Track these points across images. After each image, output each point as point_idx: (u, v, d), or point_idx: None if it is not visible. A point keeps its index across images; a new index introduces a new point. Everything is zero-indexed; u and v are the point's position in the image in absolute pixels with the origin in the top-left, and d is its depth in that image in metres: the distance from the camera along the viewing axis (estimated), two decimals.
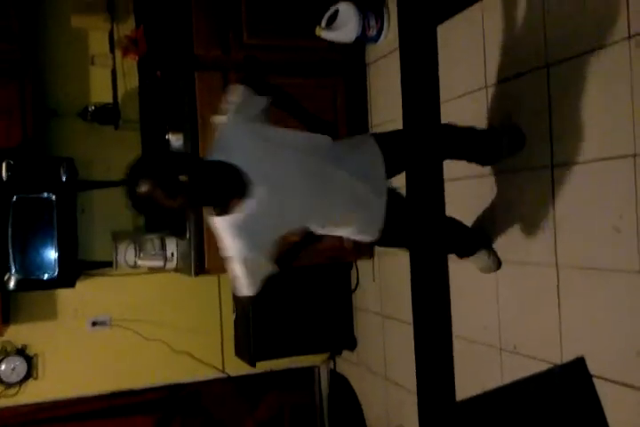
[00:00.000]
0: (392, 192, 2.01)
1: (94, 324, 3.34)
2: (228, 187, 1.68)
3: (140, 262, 3.16)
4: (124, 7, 3.38)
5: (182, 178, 1.57)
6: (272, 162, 1.75)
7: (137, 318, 3.38)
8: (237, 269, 1.76)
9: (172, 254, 3.12)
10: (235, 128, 1.79)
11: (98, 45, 3.36)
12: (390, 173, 2.00)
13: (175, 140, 3.11)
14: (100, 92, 3.35)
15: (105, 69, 3.36)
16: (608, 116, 1.94)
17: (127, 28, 3.35)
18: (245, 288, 1.80)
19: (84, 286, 3.23)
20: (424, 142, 2.15)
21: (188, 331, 3.45)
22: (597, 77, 1.97)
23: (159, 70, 3.22)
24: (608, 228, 1.93)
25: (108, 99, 3.34)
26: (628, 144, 1.86)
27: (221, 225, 1.73)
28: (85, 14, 3.26)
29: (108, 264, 3.22)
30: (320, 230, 1.92)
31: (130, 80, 3.39)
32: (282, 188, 1.73)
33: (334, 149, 1.90)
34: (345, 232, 1.99)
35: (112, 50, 3.36)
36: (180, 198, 1.59)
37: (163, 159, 1.68)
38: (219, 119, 1.83)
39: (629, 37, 1.85)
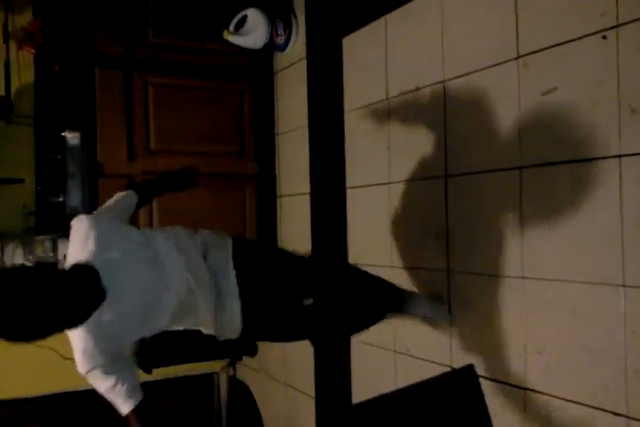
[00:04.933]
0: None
1: None
2: (84, 301, 1.55)
3: (28, 265, 2.99)
4: None
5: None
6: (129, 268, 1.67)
7: None
8: (103, 390, 1.64)
9: (64, 257, 2.98)
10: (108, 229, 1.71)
11: None
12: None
13: (72, 138, 2.99)
14: None
15: None
16: (497, 129, 2.06)
17: (24, 19, 3.19)
18: (121, 406, 1.65)
19: None
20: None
21: None
22: (489, 94, 2.09)
23: (57, 65, 3.09)
24: (495, 235, 2.05)
25: (1, 91, 3.16)
26: (514, 157, 1.99)
27: (74, 336, 1.60)
28: None
29: None
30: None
31: (25, 74, 3.23)
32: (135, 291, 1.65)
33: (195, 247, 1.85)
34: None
35: (6, 41, 3.19)
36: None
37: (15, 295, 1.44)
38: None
39: (518, 58, 1.98)
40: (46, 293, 1.45)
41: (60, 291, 1.48)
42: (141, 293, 1.66)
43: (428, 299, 2.26)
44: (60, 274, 1.57)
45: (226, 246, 1.91)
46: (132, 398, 1.64)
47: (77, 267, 1.60)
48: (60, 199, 3.05)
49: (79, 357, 1.60)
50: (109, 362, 1.61)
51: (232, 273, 1.85)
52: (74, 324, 1.55)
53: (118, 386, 1.62)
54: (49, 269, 1.54)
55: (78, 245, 1.66)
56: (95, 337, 1.58)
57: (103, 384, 1.62)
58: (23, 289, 1.44)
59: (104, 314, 1.58)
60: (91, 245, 1.64)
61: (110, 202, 1.91)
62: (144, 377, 3.36)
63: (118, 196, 1.93)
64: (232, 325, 1.85)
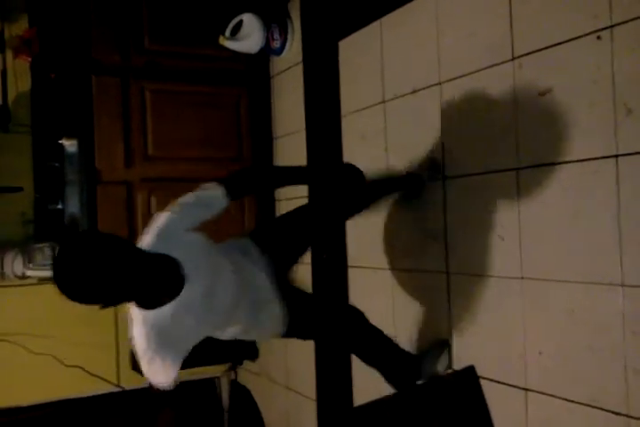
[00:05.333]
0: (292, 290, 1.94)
1: None
2: (163, 283, 1.53)
3: (29, 273, 3.00)
4: (16, 5, 3.22)
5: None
6: (208, 266, 1.63)
7: (25, 332, 3.19)
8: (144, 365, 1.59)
9: None
10: (181, 224, 1.66)
11: None
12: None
13: (69, 145, 2.99)
14: None
15: None
16: (494, 130, 2.07)
17: (19, 27, 3.20)
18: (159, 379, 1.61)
19: None
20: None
21: (80, 345, 3.30)
22: (485, 95, 2.10)
23: (53, 73, 3.09)
24: (493, 236, 2.05)
25: None
26: (511, 159, 1.99)
27: (140, 318, 1.55)
28: None
29: None
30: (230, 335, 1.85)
31: (22, 82, 3.23)
32: (213, 292, 1.62)
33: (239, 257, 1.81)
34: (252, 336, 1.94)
35: (2, 49, 3.19)
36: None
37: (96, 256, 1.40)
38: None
39: (513, 59, 1.99)
40: (127, 257, 1.42)
41: (142, 261, 1.46)
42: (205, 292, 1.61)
43: (434, 355, 2.21)
44: (141, 251, 1.54)
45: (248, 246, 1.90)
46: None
47: (157, 254, 1.56)
48: (59, 207, 3.05)
49: (135, 336, 1.56)
50: (165, 349, 1.55)
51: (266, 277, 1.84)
52: (151, 300, 1.52)
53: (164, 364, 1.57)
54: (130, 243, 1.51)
55: (158, 237, 1.62)
56: (158, 325, 1.53)
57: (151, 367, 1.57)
58: (108, 252, 1.40)
59: (173, 307, 1.54)
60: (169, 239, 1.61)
61: (190, 202, 1.74)
62: (145, 383, 3.36)
63: (202, 195, 1.75)
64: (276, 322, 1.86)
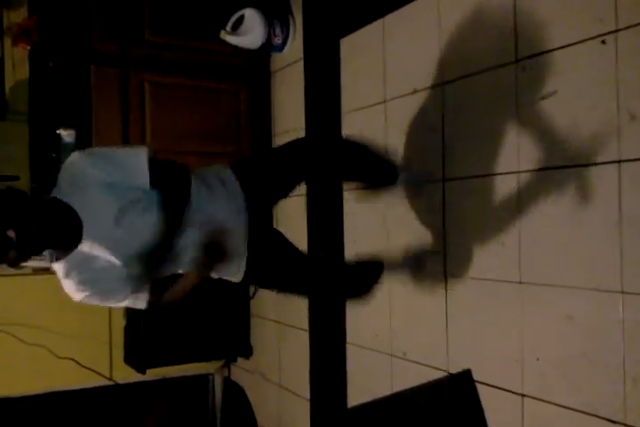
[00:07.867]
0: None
1: None
2: (66, 230, 1.56)
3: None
4: None
5: (10, 234, 1.43)
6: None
7: (17, 322, 3.17)
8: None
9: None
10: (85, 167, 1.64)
11: None
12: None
13: (67, 135, 2.97)
14: None
15: None
16: (494, 133, 2.05)
17: (19, 15, 3.17)
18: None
19: None
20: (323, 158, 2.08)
21: (73, 336, 3.29)
22: (487, 97, 2.08)
23: (52, 62, 3.06)
24: (492, 240, 2.04)
25: None
26: (511, 161, 1.98)
27: (60, 270, 1.63)
28: None
29: None
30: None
31: (20, 70, 3.20)
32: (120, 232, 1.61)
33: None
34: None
35: (0, 37, 3.16)
36: (12, 253, 1.48)
37: None
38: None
39: (516, 61, 1.97)
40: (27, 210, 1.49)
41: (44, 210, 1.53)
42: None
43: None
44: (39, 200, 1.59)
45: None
46: (139, 300, 1.72)
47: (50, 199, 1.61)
48: None
49: (70, 287, 1.66)
50: (100, 287, 1.65)
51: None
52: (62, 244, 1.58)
53: (120, 300, 1.70)
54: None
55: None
56: (79, 267, 1.62)
57: (106, 304, 1.70)
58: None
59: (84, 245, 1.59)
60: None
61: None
62: (138, 378, 3.36)
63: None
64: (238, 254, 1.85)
